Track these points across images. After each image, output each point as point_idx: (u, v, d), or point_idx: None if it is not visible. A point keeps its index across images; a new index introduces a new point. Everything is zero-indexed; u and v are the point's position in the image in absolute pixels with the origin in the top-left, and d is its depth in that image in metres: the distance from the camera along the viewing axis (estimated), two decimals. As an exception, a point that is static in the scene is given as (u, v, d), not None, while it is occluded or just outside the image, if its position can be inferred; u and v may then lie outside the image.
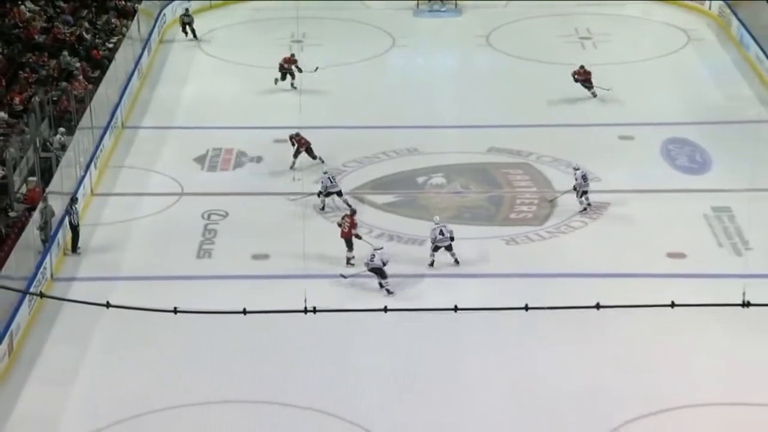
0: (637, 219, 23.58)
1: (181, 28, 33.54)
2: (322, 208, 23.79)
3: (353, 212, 22.42)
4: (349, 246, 21.96)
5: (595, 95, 28.76)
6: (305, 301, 14.64)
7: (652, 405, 17.86)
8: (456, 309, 14.74)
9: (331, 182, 23.80)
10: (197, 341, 19.58)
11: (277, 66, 29.60)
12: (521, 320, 18.43)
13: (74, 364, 19.29)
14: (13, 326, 19.44)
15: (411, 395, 18.28)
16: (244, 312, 14.41)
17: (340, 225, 22.11)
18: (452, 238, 21.46)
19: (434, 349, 19.37)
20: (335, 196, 23.84)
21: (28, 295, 19.85)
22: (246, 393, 18.44)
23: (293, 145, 25.46)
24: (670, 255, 22.28)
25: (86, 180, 24.63)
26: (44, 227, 21.80)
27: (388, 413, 17.85)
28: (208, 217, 24.08)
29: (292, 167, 25.49)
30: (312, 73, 29.09)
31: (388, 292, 20.78)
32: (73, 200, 22.71)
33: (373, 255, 20.89)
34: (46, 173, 23.70)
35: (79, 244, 22.53)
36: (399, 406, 18.03)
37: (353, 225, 22.04)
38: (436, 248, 21.61)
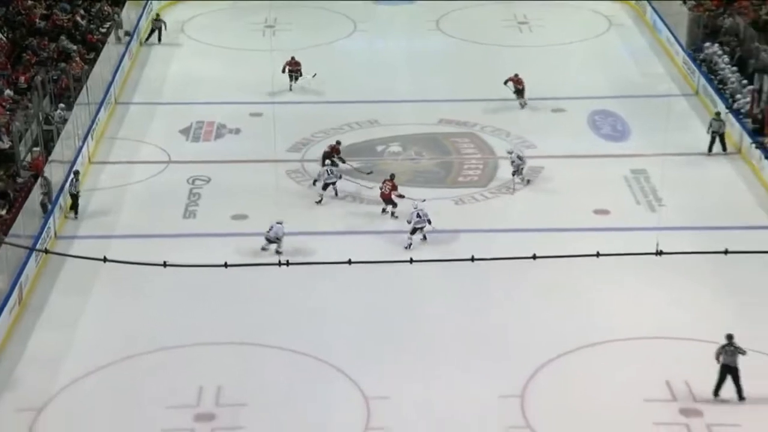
0: (567, 181, 23.67)
1: (149, 33, 31.47)
2: (319, 201, 22.58)
3: (392, 176, 22.06)
4: (389, 204, 21.83)
5: (523, 106, 26.77)
6: (279, 255, 14.57)
7: (583, 339, 18.05)
8: (411, 261, 14.75)
9: (328, 174, 22.58)
10: (184, 291, 19.47)
11: (278, 66, 27.47)
12: (469, 270, 18.45)
13: (76, 311, 19.14)
14: (22, 279, 19.28)
15: (374, 334, 18.32)
16: (226, 265, 14.32)
17: (381, 188, 21.92)
18: (429, 221, 20.78)
19: (395, 296, 19.38)
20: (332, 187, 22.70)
21: (34, 252, 19.65)
22: (229, 335, 18.39)
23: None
24: (596, 212, 22.41)
25: (84, 150, 24.38)
26: (47, 193, 21.57)
27: (353, 350, 17.87)
28: (193, 182, 23.88)
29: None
30: (311, 78, 28.05)
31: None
32: (75, 173, 22.49)
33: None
34: (49, 144, 23.40)
35: (79, 210, 22.30)
36: (364, 343, 18.06)
37: (394, 187, 21.85)
38: (413, 230, 20.73)
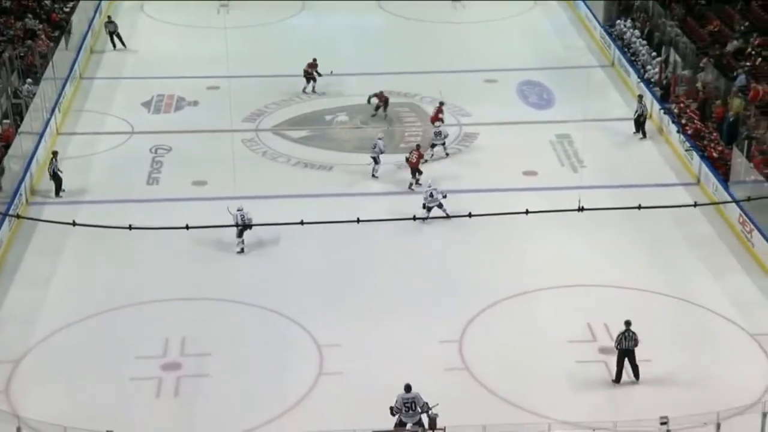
0: (498, 146, 23.76)
1: (109, 38, 28.92)
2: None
3: (418, 146, 21.73)
4: (416, 172, 21.45)
5: (374, 114, 24.58)
6: (239, 218, 14.39)
7: (514, 289, 18.25)
8: (358, 221, 14.70)
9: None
10: (150, 252, 19.25)
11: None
12: (413, 228, 18.62)
13: (49, 271, 18.82)
14: (-4, 243, 18.89)
15: (327, 289, 18.31)
16: (187, 227, 14.14)
17: (408, 157, 21.56)
18: (444, 196, 19.99)
19: (346, 253, 19.34)
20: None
21: (8, 216, 19.20)
22: (192, 291, 18.25)
23: (376, 101, 24.33)
24: (525, 173, 22.59)
25: (51, 122, 23.82)
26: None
27: (307, 303, 17.86)
28: (155, 151, 23.49)
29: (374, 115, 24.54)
30: (329, 75, 26.10)
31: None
32: (54, 153, 21.89)
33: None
34: (18, 117, 22.78)
35: (62, 188, 21.54)
36: (317, 297, 18.04)
37: (420, 156, 21.55)
38: (428, 209, 19.97)
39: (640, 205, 14.98)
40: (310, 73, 26.00)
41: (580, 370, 16.15)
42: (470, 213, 14.85)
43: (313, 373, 16.05)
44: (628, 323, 15.61)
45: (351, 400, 15.27)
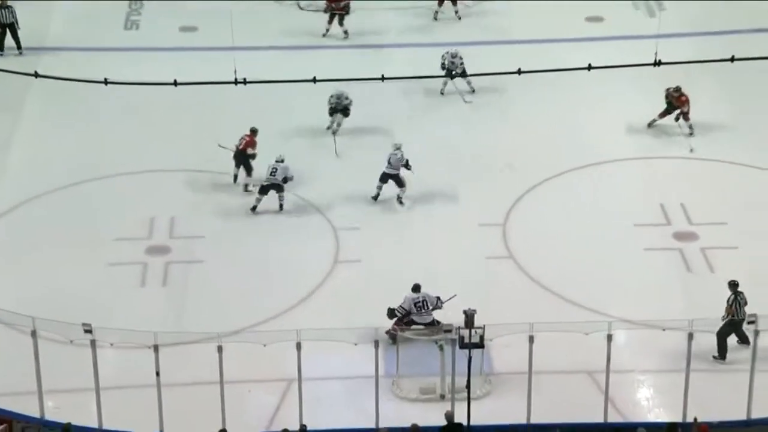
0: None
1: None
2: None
3: None
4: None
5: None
6: (235, 72, 14.29)
7: (569, 162, 18.14)
8: (383, 78, 14.49)
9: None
10: (129, 112, 19.24)
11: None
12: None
13: (7, 134, 18.87)
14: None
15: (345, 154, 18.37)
16: (175, 83, 14.04)
17: None
18: (462, 67, 19.58)
19: (366, 116, 19.19)
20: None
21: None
22: (181, 162, 18.28)
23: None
24: (588, 19, 22.13)
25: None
26: None
27: (329, 174, 17.95)
28: (135, -12, 23.25)
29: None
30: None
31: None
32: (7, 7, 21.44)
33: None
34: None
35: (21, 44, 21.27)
36: (334, 164, 18.08)
37: None
38: (452, 76, 19.67)
39: (733, 56, 14.64)
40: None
41: (649, 259, 16.18)
42: (519, 69, 14.61)
43: (328, 261, 16.22)
44: (735, 284, 14.01)
45: (371, 294, 15.46)
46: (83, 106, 19.25)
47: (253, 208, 17.09)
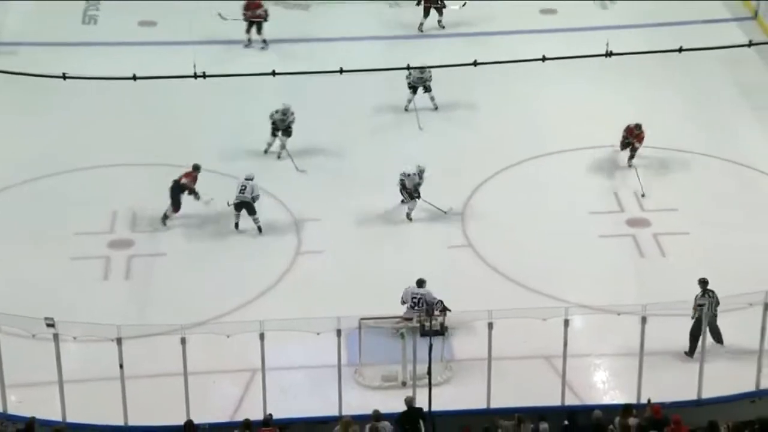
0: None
1: None
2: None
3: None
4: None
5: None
6: (194, 66, 14.24)
7: (529, 151, 18.37)
8: (341, 71, 14.52)
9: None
10: (88, 107, 19.14)
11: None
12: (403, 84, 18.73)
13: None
14: None
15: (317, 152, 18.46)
16: (134, 78, 13.99)
17: None
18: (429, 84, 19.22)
19: (325, 104, 19.27)
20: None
21: None
22: (142, 156, 18.25)
23: None
24: (542, 11, 22.35)
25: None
26: None
27: (277, 168, 18.00)
28: (92, -19, 23.08)
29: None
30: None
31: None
32: None
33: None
34: None
35: None
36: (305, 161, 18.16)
37: None
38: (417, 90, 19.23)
39: (681, 47, 14.89)
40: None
41: (603, 245, 16.44)
42: (475, 61, 14.75)
43: (290, 252, 16.28)
44: (705, 282, 13.99)
45: (333, 284, 15.58)
46: (42, 101, 19.09)
47: (236, 225, 16.59)
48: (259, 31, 21.23)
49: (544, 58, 14.86)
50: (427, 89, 18.98)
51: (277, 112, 17.91)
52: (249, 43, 21.18)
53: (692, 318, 13.98)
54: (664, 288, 15.11)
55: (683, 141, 18.67)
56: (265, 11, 21.15)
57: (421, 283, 14.45)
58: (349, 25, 22.14)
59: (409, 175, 16.75)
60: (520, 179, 17.89)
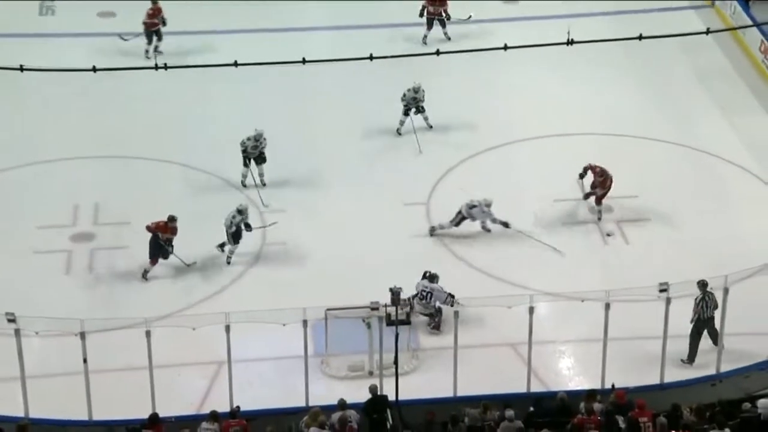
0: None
1: None
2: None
3: None
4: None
5: None
6: (156, 57, 14.13)
7: (492, 139, 18.37)
8: (304, 61, 14.43)
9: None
10: (46, 99, 18.90)
11: None
12: (366, 72, 18.16)
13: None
14: None
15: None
16: (94, 69, 13.78)
17: None
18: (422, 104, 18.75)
19: (287, 98, 19.22)
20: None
21: None
22: (101, 148, 18.03)
23: None
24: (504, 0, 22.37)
25: None
26: None
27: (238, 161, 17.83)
28: (49, -28, 22.77)
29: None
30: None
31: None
32: None
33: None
34: None
35: None
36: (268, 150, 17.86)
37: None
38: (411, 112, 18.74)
39: (641, 34, 14.96)
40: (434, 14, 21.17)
41: (567, 233, 16.51)
42: (438, 50, 14.71)
43: (254, 243, 16.18)
44: (704, 284, 13.76)
45: (299, 275, 15.48)
46: (0, 93, 18.82)
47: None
48: (159, 38, 20.14)
49: (505, 47, 14.86)
50: (420, 110, 18.54)
51: (249, 139, 16.91)
52: (151, 53, 19.95)
53: (691, 322, 13.96)
54: (627, 274, 15.20)
55: (643, 127, 18.78)
56: (163, 18, 20.14)
57: (432, 277, 14.46)
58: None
59: None
60: (484, 168, 17.89)
